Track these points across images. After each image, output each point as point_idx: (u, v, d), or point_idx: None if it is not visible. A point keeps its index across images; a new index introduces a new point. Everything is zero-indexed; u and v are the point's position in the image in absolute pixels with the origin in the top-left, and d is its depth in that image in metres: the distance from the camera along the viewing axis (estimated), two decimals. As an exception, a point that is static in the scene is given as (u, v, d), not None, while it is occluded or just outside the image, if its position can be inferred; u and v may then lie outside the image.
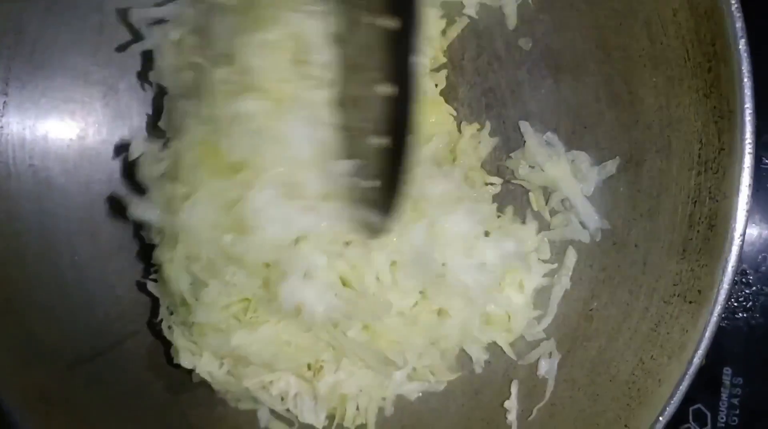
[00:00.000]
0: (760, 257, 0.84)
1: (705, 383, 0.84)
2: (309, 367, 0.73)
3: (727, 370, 0.85)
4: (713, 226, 0.57)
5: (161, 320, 0.79)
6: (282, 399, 0.75)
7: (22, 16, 0.79)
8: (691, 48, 0.60)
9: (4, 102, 0.80)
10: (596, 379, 0.67)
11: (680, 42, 0.61)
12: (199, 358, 0.73)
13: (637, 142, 0.68)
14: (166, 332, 0.78)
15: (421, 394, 0.77)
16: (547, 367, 0.71)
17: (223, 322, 0.69)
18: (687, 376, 0.56)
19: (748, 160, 0.54)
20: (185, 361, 0.75)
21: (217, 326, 0.70)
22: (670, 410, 0.57)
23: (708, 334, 0.55)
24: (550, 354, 0.72)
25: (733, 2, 0.53)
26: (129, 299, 0.84)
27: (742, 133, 0.55)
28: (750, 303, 0.85)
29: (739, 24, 0.54)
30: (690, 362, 0.56)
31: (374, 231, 0.60)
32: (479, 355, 0.74)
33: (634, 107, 0.68)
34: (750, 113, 0.54)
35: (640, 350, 0.63)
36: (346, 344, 0.69)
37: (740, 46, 0.54)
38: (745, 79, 0.54)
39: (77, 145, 0.85)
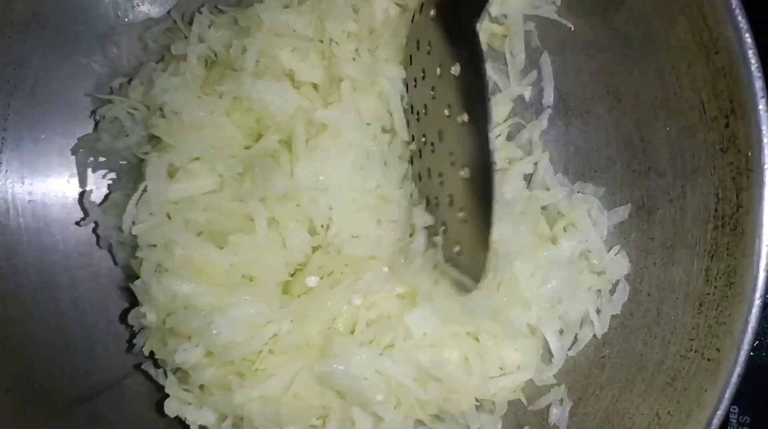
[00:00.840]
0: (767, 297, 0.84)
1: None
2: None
3: (734, 409, 0.85)
4: (732, 283, 0.57)
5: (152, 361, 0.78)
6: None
7: (23, 50, 0.78)
8: (707, 101, 0.59)
9: (3, 138, 0.79)
10: (610, 431, 0.66)
11: (695, 94, 0.60)
12: (195, 409, 0.72)
13: (650, 190, 0.68)
14: (157, 376, 0.77)
15: (429, 438, 0.76)
16: (558, 415, 0.70)
17: (224, 379, 0.68)
18: (707, 437, 0.56)
19: (768, 220, 0.54)
20: (172, 409, 0.74)
21: (219, 383, 0.69)
22: (689, 470, 0.56)
23: (728, 395, 0.55)
24: (561, 401, 0.71)
25: (753, 62, 0.53)
26: (129, 335, 0.83)
27: (762, 192, 0.54)
28: (757, 342, 0.84)
29: (759, 84, 0.53)
30: (709, 423, 0.55)
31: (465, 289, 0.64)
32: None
33: (646, 154, 0.68)
34: (771, 172, 0.53)
35: (655, 404, 0.62)
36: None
37: (760, 106, 0.53)
38: (766, 139, 0.53)
39: (76, 180, 0.84)
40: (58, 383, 0.77)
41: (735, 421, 0.85)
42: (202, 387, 0.72)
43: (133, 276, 0.82)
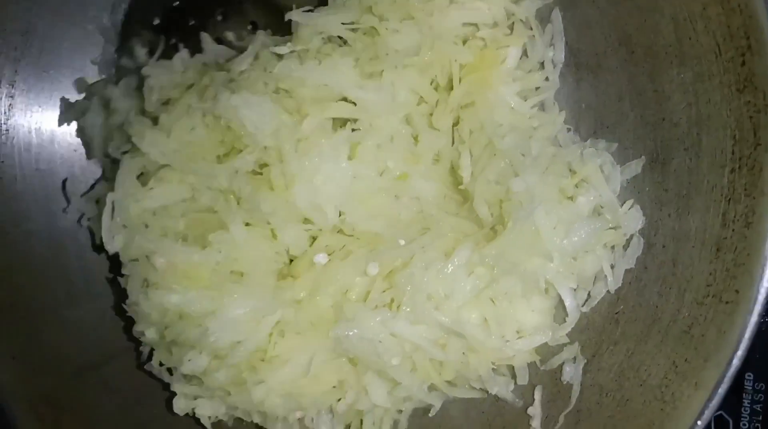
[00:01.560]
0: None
1: (727, 389, 0.82)
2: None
3: (749, 376, 0.83)
4: (750, 223, 0.56)
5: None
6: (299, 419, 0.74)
7: (30, 17, 0.78)
8: (723, 42, 0.59)
9: (10, 104, 0.79)
10: (625, 384, 0.65)
11: (710, 37, 0.60)
12: (206, 402, 0.72)
13: (663, 141, 0.67)
14: (161, 374, 0.76)
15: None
16: (571, 373, 0.69)
17: (238, 377, 0.68)
18: (726, 379, 0.55)
19: (787, 155, 0.53)
20: (181, 407, 0.73)
21: (234, 381, 0.68)
22: (708, 414, 0.55)
23: (748, 334, 0.54)
24: (575, 359, 0.70)
25: (769, -6, 0.52)
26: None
27: (782, 126, 0.53)
28: (773, 307, 0.83)
29: (774, 16, 0.53)
30: (729, 364, 0.55)
31: None
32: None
33: (659, 105, 0.67)
34: (789, 106, 0.53)
35: (672, 353, 0.61)
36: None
37: (776, 39, 0.53)
38: (784, 72, 0.52)
39: (83, 149, 0.84)
40: (66, 350, 0.77)
41: (750, 388, 0.84)
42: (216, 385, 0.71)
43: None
